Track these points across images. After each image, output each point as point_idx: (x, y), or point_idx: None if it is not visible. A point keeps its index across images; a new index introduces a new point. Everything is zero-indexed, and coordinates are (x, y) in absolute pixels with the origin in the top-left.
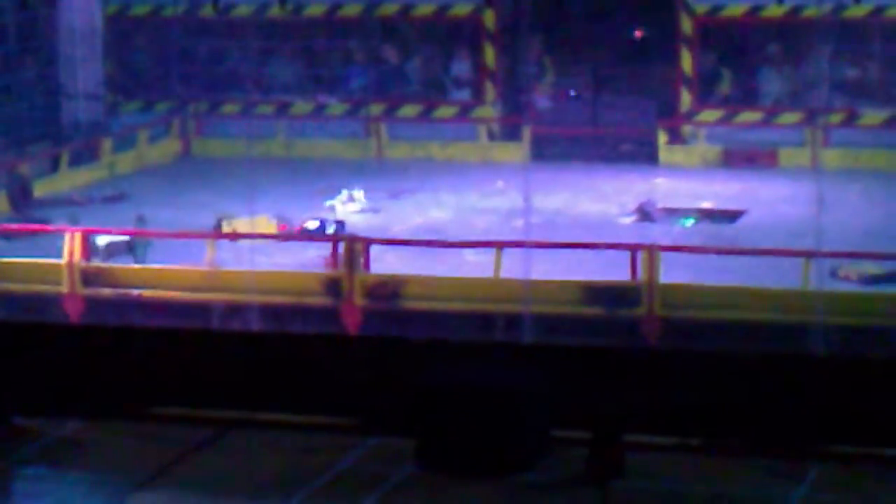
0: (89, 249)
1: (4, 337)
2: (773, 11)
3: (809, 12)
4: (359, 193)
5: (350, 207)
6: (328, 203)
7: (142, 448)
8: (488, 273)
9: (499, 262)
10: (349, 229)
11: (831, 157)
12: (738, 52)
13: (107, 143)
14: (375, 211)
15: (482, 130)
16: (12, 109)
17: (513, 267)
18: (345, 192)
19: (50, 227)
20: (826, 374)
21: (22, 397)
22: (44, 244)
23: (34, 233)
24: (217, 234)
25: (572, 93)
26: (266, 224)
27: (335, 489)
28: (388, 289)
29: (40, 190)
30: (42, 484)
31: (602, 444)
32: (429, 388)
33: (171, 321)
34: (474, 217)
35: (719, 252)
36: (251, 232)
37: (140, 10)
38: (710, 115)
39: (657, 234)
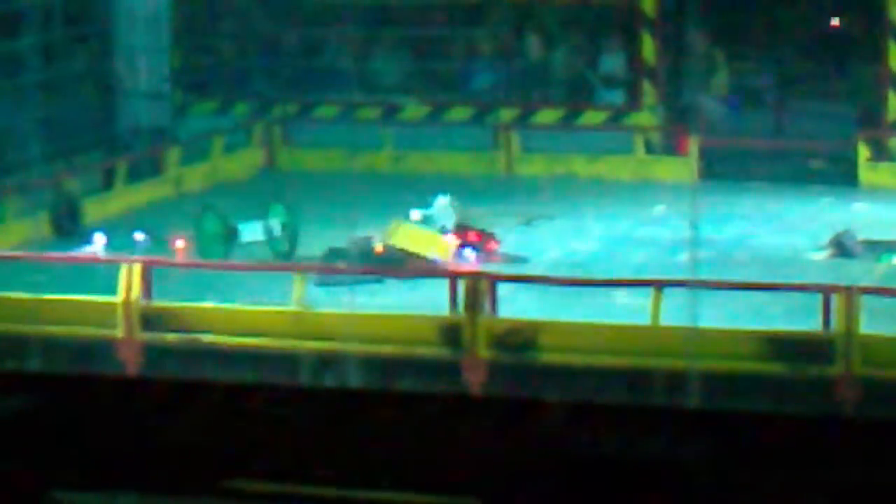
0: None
1: (44, 391)
2: None
3: None
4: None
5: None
6: (418, 214)
7: None
8: (644, 319)
9: (657, 306)
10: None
11: None
12: None
13: (173, 153)
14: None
15: (638, 141)
16: (58, 111)
17: (675, 312)
18: (441, 200)
19: (103, 257)
20: None
21: (64, 466)
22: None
23: (83, 263)
24: (309, 265)
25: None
26: (434, 240)
27: None
28: (520, 338)
29: (92, 210)
30: None
31: None
32: (572, 463)
33: (250, 374)
34: (627, 249)
35: None
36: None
37: None
38: None
39: (857, 273)
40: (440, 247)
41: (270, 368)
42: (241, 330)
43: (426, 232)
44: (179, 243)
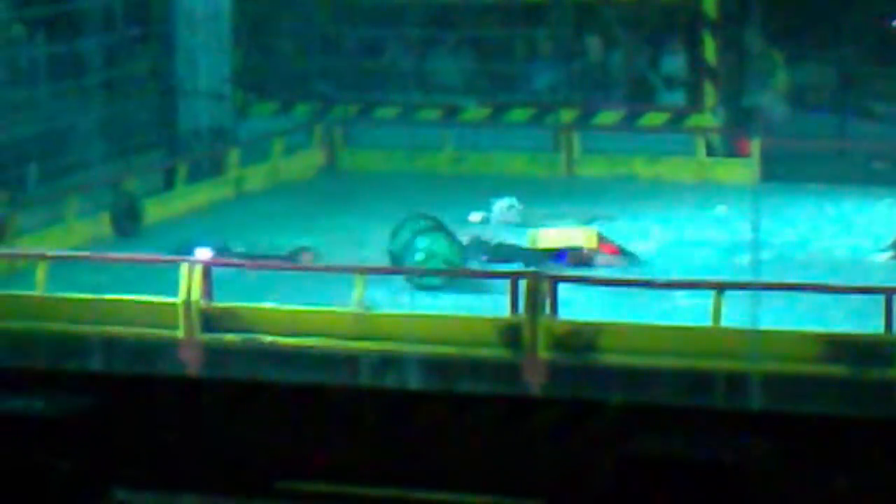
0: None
1: (106, 391)
2: None
3: None
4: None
5: (508, 218)
6: (477, 216)
7: None
8: (705, 321)
9: (718, 308)
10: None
11: None
12: None
13: (234, 154)
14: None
15: (699, 143)
16: (118, 110)
17: (736, 314)
18: (503, 202)
19: (163, 258)
20: None
21: (126, 465)
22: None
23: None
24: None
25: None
26: (589, 238)
27: None
28: (581, 339)
29: (152, 210)
30: None
31: None
32: (633, 464)
33: (310, 375)
34: (688, 251)
35: None
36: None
37: None
38: None
39: None
40: (585, 239)
41: (330, 369)
42: (302, 330)
43: (566, 230)
44: (307, 257)
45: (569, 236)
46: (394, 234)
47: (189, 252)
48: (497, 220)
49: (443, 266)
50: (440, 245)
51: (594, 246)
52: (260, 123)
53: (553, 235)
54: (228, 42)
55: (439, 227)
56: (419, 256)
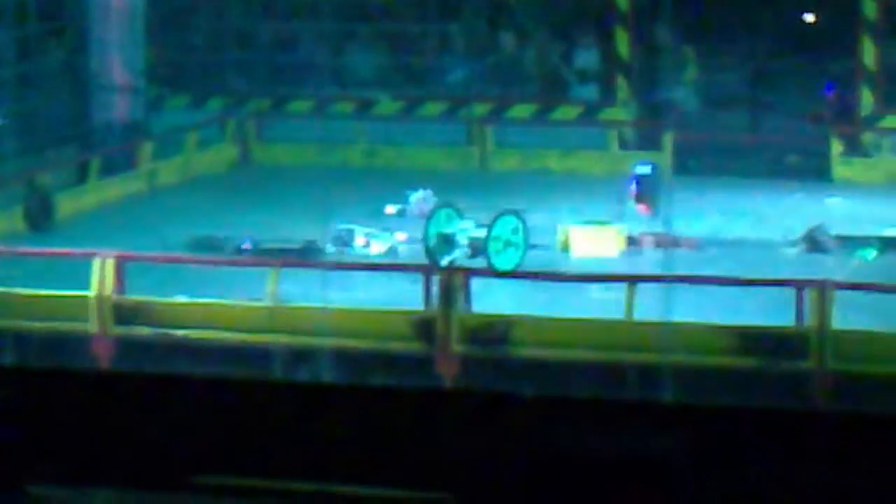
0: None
1: (19, 386)
2: None
3: None
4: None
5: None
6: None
7: None
8: (618, 314)
9: (631, 301)
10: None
11: None
12: None
13: (146, 148)
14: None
15: (612, 137)
16: (31, 105)
17: (649, 307)
18: (417, 194)
19: (77, 252)
20: None
21: (39, 460)
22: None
23: (57, 257)
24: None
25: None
26: (614, 236)
27: None
28: (494, 332)
29: (65, 205)
30: None
31: None
32: (546, 457)
33: (223, 369)
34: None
35: None
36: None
37: None
38: None
39: (830, 267)
40: (615, 237)
41: (243, 363)
42: (214, 324)
43: (596, 227)
44: None
45: (602, 235)
46: (430, 225)
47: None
48: (414, 212)
49: (510, 248)
50: (505, 229)
51: (621, 244)
52: (173, 117)
53: (587, 234)
54: (142, 36)
55: (503, 213)
56: (494, 245)
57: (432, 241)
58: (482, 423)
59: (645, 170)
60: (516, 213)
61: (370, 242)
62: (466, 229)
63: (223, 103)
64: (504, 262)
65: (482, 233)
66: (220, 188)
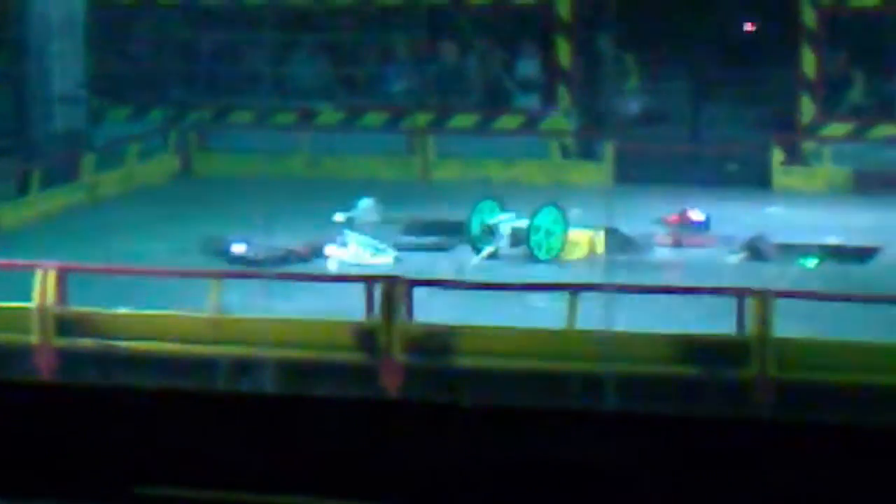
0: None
1: None
2: None
3: None
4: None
5: (372, 218)
6: (341, 217)
7: None
8: (560, 323)
9: (573, 310)
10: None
11: None
12: (872, 52)
13: (88, 159)
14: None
15: (554, 146)
16: None
17: (591, 316)
18: (364, 202)
19: (19, 263)
20: None
21: None
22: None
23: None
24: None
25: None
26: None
27: None
28: (437, 342)
29: (6, 216)
30: None
31: None
32: (489, 466)
33: (166, 380)
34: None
35: (848, 299)
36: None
37: None
38: (837, 128)
39: (771, 276)
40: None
41: (186, 374)
42: (157, 335)
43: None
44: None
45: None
46: (473, 215)
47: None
48: (361, 219)
49: (551, 238)
50: (546, 220)
51: (597, 249)
52: (115, 128)
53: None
54: (83, 47)
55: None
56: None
57: (476, 231)
58: (426, 433)
59: None
60: (556, 205)
61: (366, 252)
62: (508, 220)
63: (165, 114)
64: (545, 252)
65: (524, 223)
66: (163, 199)
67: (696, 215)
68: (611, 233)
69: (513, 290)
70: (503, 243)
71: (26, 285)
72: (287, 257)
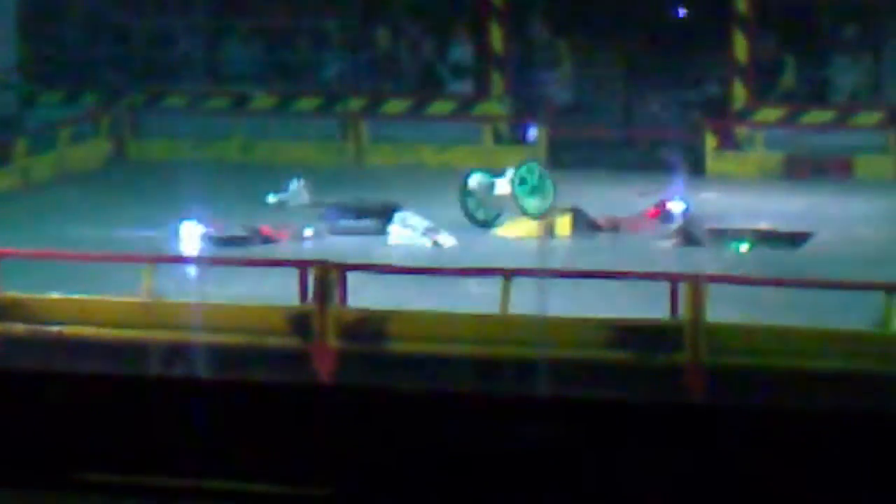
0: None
1: None
2: None
3: None
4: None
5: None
6: (272, 199)
7: None
8: (494, 308)
9: (507, 295)
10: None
11: None
12: (805, 37)
13: (20, 143)
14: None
15: (487, 131)
16: None
17: (524, 301)
18: (295, 183)
19: None
20: None
21: None
22: None
23: None
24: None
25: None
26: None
27: None
28: (371, 327)
29: None
30: None
31: None
32: (422, 451)
33: (99, 365)
34: (476, 239)
35: (780, 284)
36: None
37: None
38: (769, 114)
39: (704, 261)
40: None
41: (119, 359)
42: (90, 320)
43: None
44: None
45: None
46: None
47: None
48: (293, 200)
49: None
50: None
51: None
52: (47, 112)
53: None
54: (13, 31)
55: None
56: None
57: (469, 204)
58: (359, 418)
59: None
60: (538, 161)
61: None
62: (496, 187)
63: (97, 98)
64: (533, 206)
65: (507, 187)
66: (95, 183)
67: (676, 206)
68: (576, 213)
69: (447, 274)
70: (493, 212)
71: None
72: (251, 238)
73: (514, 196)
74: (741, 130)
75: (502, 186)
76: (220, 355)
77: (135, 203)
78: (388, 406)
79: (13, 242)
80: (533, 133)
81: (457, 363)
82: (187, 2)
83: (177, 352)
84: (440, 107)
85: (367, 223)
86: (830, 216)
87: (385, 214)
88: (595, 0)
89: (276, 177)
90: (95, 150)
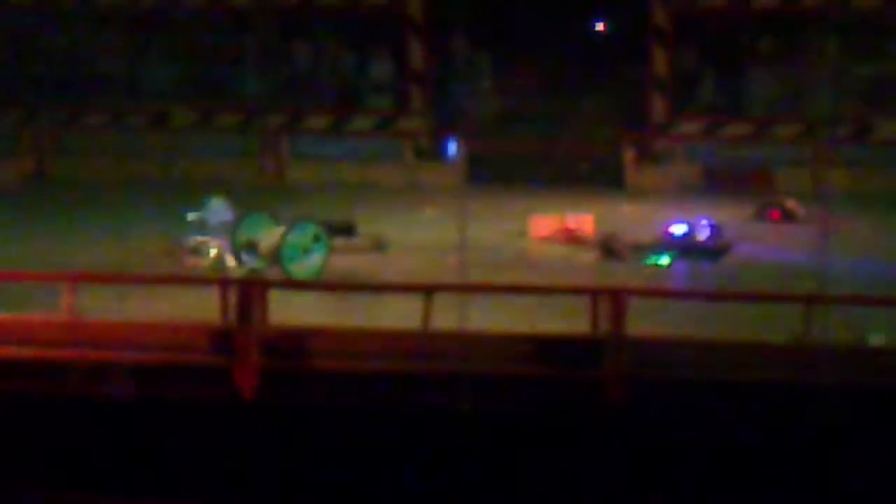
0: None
1: None
2: (765, 1)
3: (809, 1)
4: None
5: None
6: (191, 217)
7: None
8: (415, 323)
9: (428, 311)
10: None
11: (838, 177)
12: (723, 51)
13: None
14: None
15: (407, 147)
16: None
17: (446, 316)
18: (215, 201)
19: None
20: None
21: None
22: None
23: None
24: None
25: None
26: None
27: None
28: (293, 344)
29: None
30: None
31: None
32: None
33: (18, 384)
34: (397, 255)
35: (701, 297)
36: None
37: None
38: (688, 127)
39: (624, 274)
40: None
41: (39, 378)
42: (8, 339)
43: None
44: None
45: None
46: (236, 230)
47: None
48: (213, 220)
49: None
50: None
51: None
52: None
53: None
54: None
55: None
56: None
57: (239, 248)
58: (282, 435)
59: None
60: (315, 222)
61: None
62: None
63: (17, 116)
64: (302, 269)
65: (277, 238)
66: (14, 202)
67: (678, 229)
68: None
69: (369, 291)
70: (261, 262)
71: None
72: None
73: (278, 253)
74: (660, 143)
75: (272, 237)
76: (141, 373)
77: (53, 222)
78: (310, 423)
79: None
80: (453, 148)
81: (377, 379)
82: (106, 20)
83: (98, 370)
84: (361, 123)
85: (360, 242)
86: (750, 230)
87: (351, 233)
88: (515, 15)
89: (196, 194)
90: (14, 169)
